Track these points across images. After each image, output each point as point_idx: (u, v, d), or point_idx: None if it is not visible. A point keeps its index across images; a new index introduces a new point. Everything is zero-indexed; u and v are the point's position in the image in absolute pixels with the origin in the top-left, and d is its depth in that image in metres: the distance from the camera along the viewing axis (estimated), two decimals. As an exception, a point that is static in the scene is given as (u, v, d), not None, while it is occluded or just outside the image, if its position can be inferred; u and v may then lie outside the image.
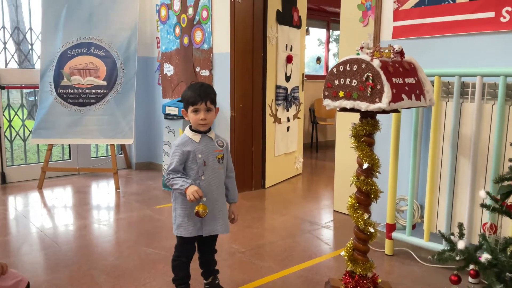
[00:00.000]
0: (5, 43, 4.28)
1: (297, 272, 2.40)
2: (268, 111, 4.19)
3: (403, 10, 2.60)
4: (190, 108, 1.91)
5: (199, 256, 2.11)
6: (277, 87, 4.26)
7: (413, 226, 2.57)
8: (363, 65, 1.86)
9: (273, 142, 4.30)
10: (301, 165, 4.91)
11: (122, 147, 5.00)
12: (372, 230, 2.05)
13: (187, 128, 1.98)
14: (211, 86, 2.00)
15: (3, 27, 4.26)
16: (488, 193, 1.55)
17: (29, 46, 4.49)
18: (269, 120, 4.21)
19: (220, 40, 3.95)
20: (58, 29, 4.18)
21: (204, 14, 4.05)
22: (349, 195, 2.14)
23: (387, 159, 2.60)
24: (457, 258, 1.44)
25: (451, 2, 2.38)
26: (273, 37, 4.11)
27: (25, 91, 4.67)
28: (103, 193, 4.12)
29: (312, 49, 8.57)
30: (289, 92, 4.44)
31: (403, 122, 2.54)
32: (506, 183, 1.48)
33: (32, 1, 4.41)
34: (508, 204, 1.51)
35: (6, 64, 4.34)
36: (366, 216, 2.08)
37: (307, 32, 6.97)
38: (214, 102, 1.94)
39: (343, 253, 2.16)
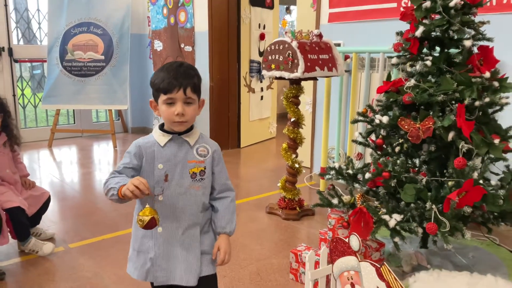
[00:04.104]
0: (16, 22, 4.97)
1: (249, 201, 3.18)
2: (242, 82, 4.90)
3: (336, -1, 3.29)
4: (162, 98, 1.30)
5: None
6: (251, 61, 4.96)
7: (340, 169, 3.32)
8: (286, 45, 2.59)
9: (248, 109, 5.03)
10: (275, 130, 5.65)
11: (119, 113, 5.74)
12: (297, 165, 2.82)
13: (156, 127, 1.39)
14: (194, 67, 1.35)
15: (15, 8, 4.94)
16: (360, 133, 2.28)
17: (37, 25, 5.18)
18: (243, 89, 4.93)
19: (200, 20, 4.63)
20: (62, 10, 4.86)
21: (187, -3, 4.72)
22: (283, 143, 2.90)
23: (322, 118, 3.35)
24: (331, 173, 2.19)
25: (368, -6, 3.08)
26: (247, 17, 4.79)
27: (29, 64, 5.37)
28: (103, 150, 4.90)
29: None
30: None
31: (333, 89, 3.26)
32: (369, 126, 2.21)
33: (38, -15, 5.08)
34: (373, 139, 2.24)
35: (18, 40, 5.04)
36: (293, 156, 2.84)
37: (288, 10, 7.59)
38: (197, 89, 1.32)
39: (278, 184, 2.94)
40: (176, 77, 1.27)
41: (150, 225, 1.22)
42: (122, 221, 2.78)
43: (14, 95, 4.92)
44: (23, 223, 2.18)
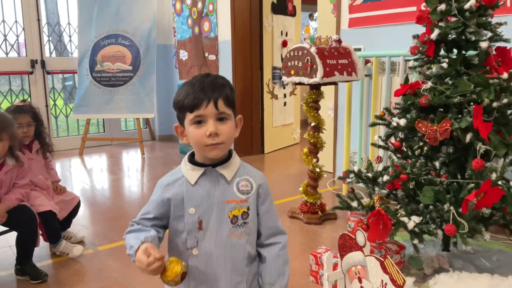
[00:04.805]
0: (49, 36, 5.20)
1: (271, 206, 3.21)
2: (265, 89, 4.96)
3: (356, 5, 3.31)
4: (189, 117, 1.07)
5: None
6: (274, 68, 5.02)
7: (363, 173, 3.32)
8: (305, 51, 2.63)
9: (271, 115, 5.08)
10: (299, 136, 5.67)
11: (147, 122, 5.89)
12: (318, 170, 2.84)
13: (185, 158, 1.17)
14: (224, 77, 1.13)
15: (47, 22, 5.17)
16: (380, 137, 2.30)
17: (68, 38, 5.41)
18: (266, 96, 4.99)
19: (223, 29, 4.73)
20: (91, 23, 5.06)
21: (210, 7, 4.83)
22: (304, 148, 2.93)
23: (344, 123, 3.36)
24: (351, 175, 2.21)
25: (388, -1, 3.09)
26: (269, 25, 4.86)
27: (61, 76, 5.60)
28: (132, 158, 5.05)
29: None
30: (285, 72, 5.19)
31: (354, 93, 3.27)
32: (389, 129, 2.22)
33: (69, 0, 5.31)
34: (392, 142, 2.25)
35: (50, 53, 5.27)
36: (314, 160, 2.87)
37: (312, 17, 7.64)
38: (231, 102, 1.10)
39: (300, 188, 2.97)
40: (202, 89, 1.04)
41: (183, 278, 1.02)
42: (148, 225, 2.87)
43: (46, 106, 5.13)
44: (54, 227, 2.29)
